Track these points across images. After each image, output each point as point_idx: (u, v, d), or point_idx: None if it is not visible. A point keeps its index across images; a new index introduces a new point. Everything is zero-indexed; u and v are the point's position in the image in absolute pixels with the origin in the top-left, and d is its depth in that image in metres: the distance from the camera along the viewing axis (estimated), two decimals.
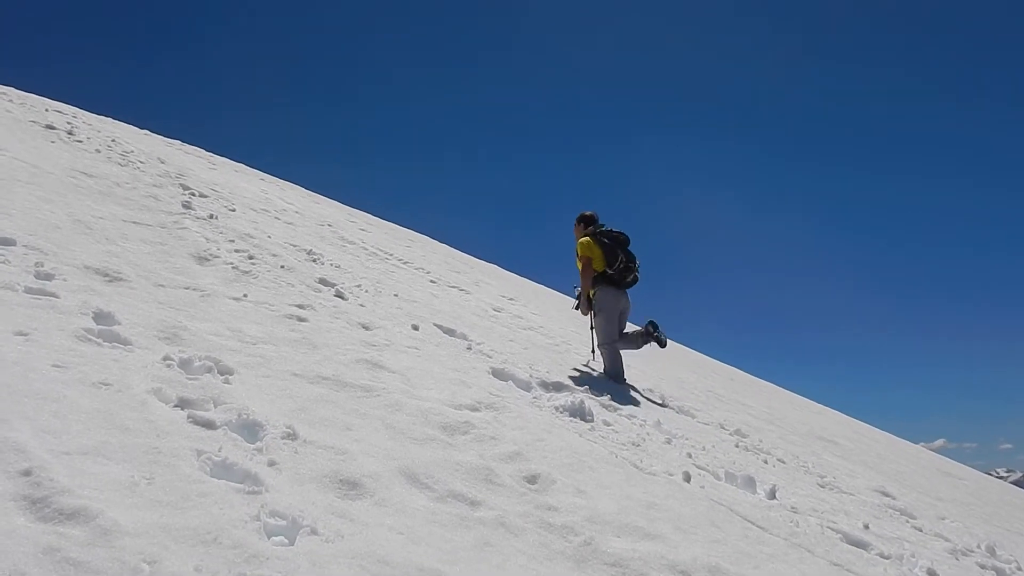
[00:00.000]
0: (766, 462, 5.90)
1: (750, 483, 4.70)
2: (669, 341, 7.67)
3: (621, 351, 7.11)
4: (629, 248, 7.04)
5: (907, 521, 5.50)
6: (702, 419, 6.88)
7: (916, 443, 17.12)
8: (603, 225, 7.15)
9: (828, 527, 4.35)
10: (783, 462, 6.20)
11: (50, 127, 10.12)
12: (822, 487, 5.73)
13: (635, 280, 7.08)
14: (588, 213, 7.26)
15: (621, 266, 6.93)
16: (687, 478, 4.33)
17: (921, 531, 5.29)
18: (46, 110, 11.94)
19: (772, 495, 4.63)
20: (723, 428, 6.79)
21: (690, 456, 4.99)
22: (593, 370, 7.15)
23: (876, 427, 15.77)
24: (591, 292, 7.06)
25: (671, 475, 4.31)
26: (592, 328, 7.30)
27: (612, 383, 6.78)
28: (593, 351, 7.36)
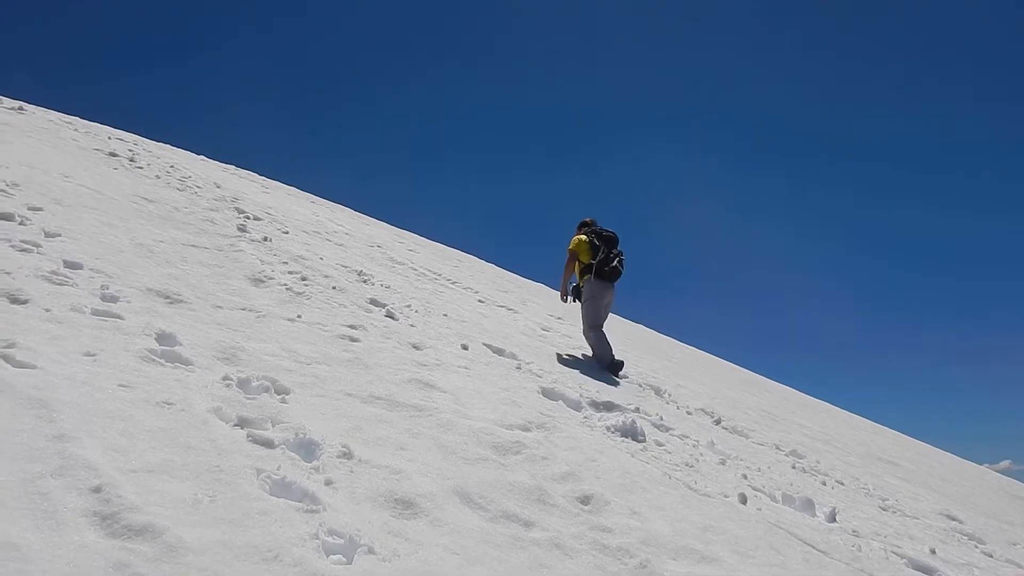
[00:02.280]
0: (824, 484, 5.77)
1: (809, 505, 4.60)
2: (720, 360, 7.94)
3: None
4: (618, 246, 7.89)
5: (976, 546, 5.33)
6: (756, 439, 6.76)
7: (980, 464, 16.55)
8: (600, 228, 8.01)
9: (892, 552, 4.23)
10: (842, 484, 6.06)
11: (113, 154, 10.47)
12: (884, 510, 5.58)
13: (615, 272, 7.76)
14: (587, 219, 8.17)
15: (602, 256, 7.73)
16: (743, 500, 4.25)
17: (991, 557, 5.12)
18: (109, 138, 12.35)
19: (832, 518, 4.53)
20: (778, 448, 6.67)
21: (745, 477, 4.91)
22: (583, 356, 7.71)
23: (937, 447, 15.32)
24: (580, 282, 7.92)
25: (726, 497, 4.25)
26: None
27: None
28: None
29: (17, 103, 12.85)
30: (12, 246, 4.69)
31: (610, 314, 8.16)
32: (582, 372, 6.84)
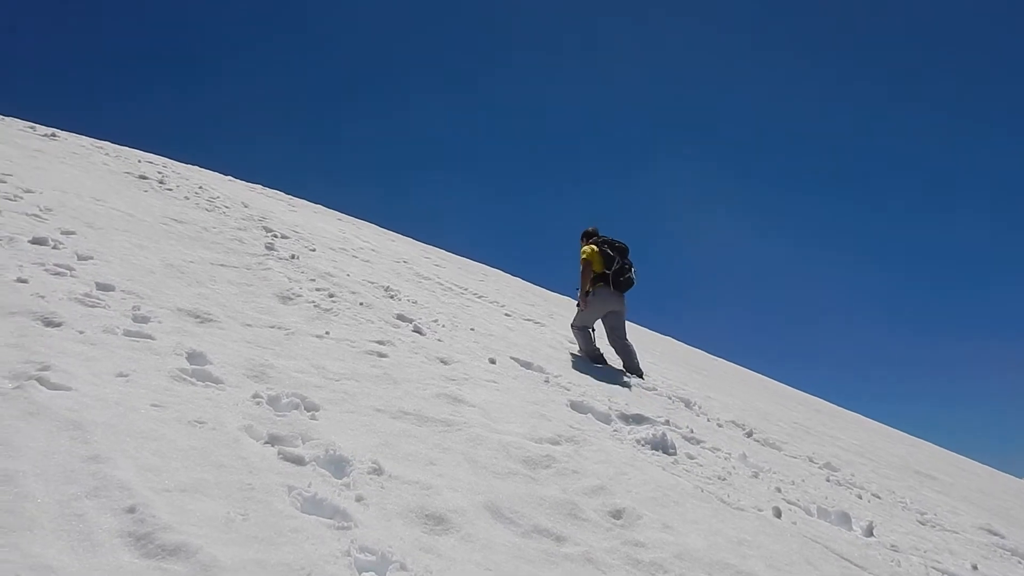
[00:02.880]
0: (860, 497, 5.67)
1: (845, 519, 4.52)
2: (750, 372, 7.96)
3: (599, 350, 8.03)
4: (628, 256, 8.04)
5: (1019, 562, 5.20)
6: (789, 452, 6.67)
7: (1020, 477, 16.19)
8: (604, 236, 8.18)
9: (933, 567, 4.14)
10: (878, 497, 5.95)
11: (143, 177, 10.64)
12: (923, 524, 5.47)
13: (630, 282, 7.95)
14: (590, 228, 8.32)
15: (617, 267, 7.88)
16: (778, 513, 4.19)
17: None
18: (139, 161, 12.56)
19: (869, 532, 4.44)
20: (812, 461, 6.57)
21: (779, 491, 4.84)
22: (574, 354, 7.99)
23: (975, 460, 15.01)
24: (589, 290, 7.93)
25: (760, 510, 4.18)
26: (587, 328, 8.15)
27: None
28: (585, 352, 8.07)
29: (50, 130, 13.11)
30: (46, 270, 4.77)
31: (633, 325, 8.21)
32: (610, 384, 6.80)
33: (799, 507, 4.60)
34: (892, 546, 4.35)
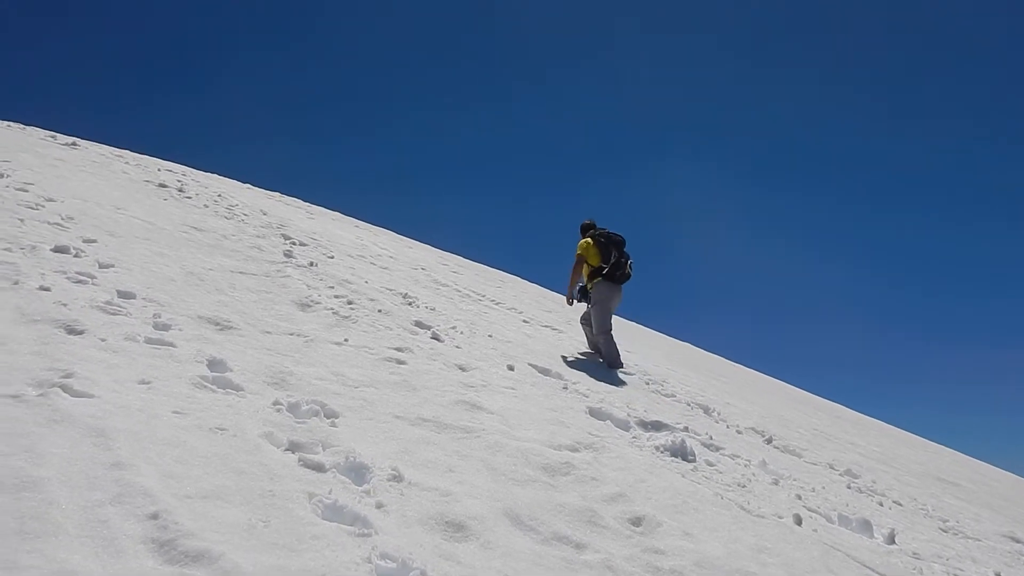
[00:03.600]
0: (881, 504, 5.62)
1: (866, 527, 4.48)
2: (768, 378, 7.91)
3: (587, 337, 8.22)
4: (625, 249, 8.01)
5: None
6: (809, 459, 6.62)
7: None
8: (602, 228, 8.15)
9: (955, 575, 4.09)
10: (900, 504, 5.89)
11: (162, 185, 10.74)
12: (945, 532, 5.41)
13: (626, 276, 7.94)
14: (587, 221, 8.29)
15: (614, 261, 7.87)
16: (798, 521, 4.16)
17: None
18: (158, 170, 12.68)
19: (891, 540, 4.40)
20: (832, 468, 6.51)
21: (799, 498, 4.80)
22: (589, 357, 8.00)
23: (997, 467, 14.83)
24: (589, 285, 8.01)
25: (780, 518, 4.16)
26: (582, 322, 8.43)
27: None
28: (592, 345, 8.27)
29: (71, 139, 13.27)
30: (68, 278, 4.82)
31: (654, 332, 8.21)
32: (629, 391, 6.78)
33: (820, 514, 4.57)
34: (914, 553, 4.31)
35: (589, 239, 8.02)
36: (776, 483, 5.01)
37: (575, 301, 8.26)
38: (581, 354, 8.06)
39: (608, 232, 8.06)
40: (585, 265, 8.06)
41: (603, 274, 7.87)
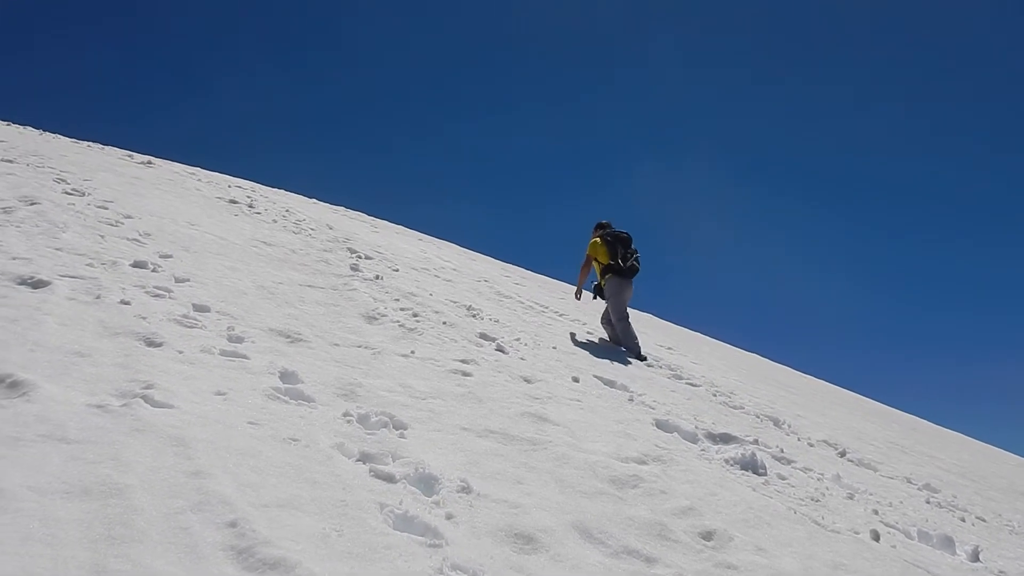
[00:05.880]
0: (963, 520, 5.41)
1: (948, 543, 4.31)
2: (840, 389, 7.77)
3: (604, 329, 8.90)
4: (632, 245, 8.71)
5: None
6: (885, 472, 6.42)
7: None
8: (614, 229, 8.85)
9: None
10: (983, 520, 5.66)
11: (233, 201, 11.05)
12: None
13: (634, 269, 8.62)
14: (603, 221, 9.05)
15: (623, 255, 8.57)
16: (876, 536, 4.03)
17: None
18: (229, 186, 13.06)
19: (975, 557, 4.23)
20: (910, 482, 6.30)
21: (876, 512, 4.66)
22: (616, 345, 8.63)
23: None
24: (602, 281, 8.74)
25: (857, 533, 4.03)
26: (603, 322, 9.09)
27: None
28: (614, 339, 8.84)
29: (146, 158, 13.77)
30: (147, 292, 4.99)
31: (720, 342, 8.16)
32: (696, 403, 6.68)
33: (898, 530, 4.42)
34: (1000, 572, 4.14)
35: (597, 239, 8.76)
36: (851, 497, 4.87)
37: (594, 297, 9.00)
38: (599, 340, 8.75)
39: (615, 231, 8.81)
40: (595, 263, 8.79)
41: (614, 270, 8.57)
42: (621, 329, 8.56)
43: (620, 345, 8.64)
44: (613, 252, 8.61)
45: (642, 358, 8.26)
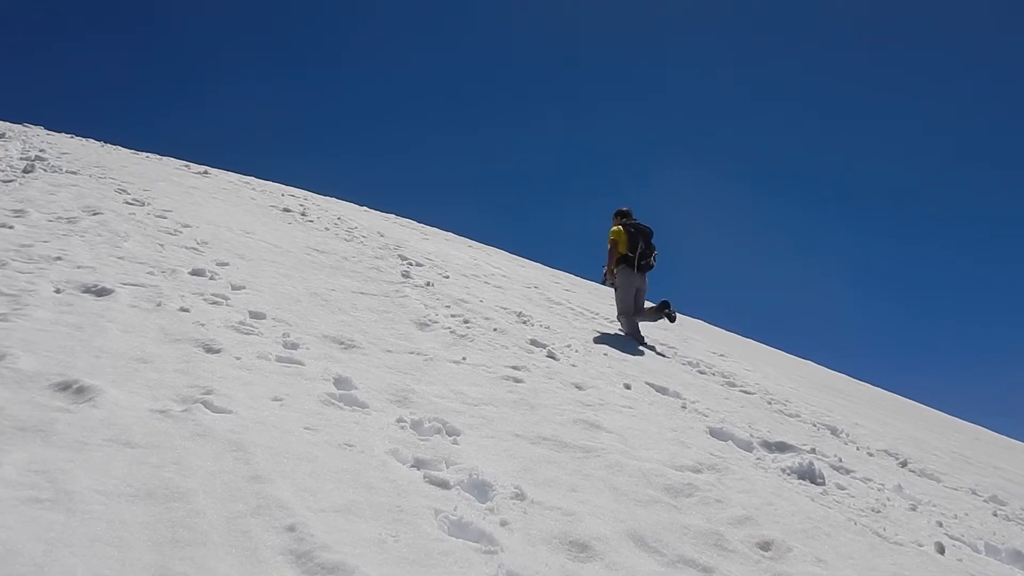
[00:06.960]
0: None
1: (1018, 558, 4.16)
2: (899, 397, 7.57)
3: (640, 322, 8.89)
4: (652, 240, 8.71)
5: None
6: (949, 483, 6.22)
7: None
8: (635, 219, 8.86)
9: None
10: None
11: (286, 210, 11.25)
12: None
13: (649, 266, 8.70)
14: (624, 208, 8.99)
15: (642, 249, 8.59)
16: (940, 549, 3.90)
17: None
18: (282, 195, 13.30)
19: None
20: (975, 494, 6.09)
21: (940, 525, 4.51)
22: (619, 332, 8.83)
23: None
24: (614, 268, 8.75)
25: (921, 545, 3.91)
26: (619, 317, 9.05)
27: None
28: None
29: (202, 168, 14.11)
30: (204, 299, 5.11)
31: (774, 350, 8.10)
32: (750, 411, 6.57)
33: (964, 543, 4.28)
34: None
35: (620, 227, 8.71)
36: (914, 509, 4.73)
37: (603, 282, 9.08)
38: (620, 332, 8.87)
39: (638, 223, 8.77)
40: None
41: (628, 262, 8.62)
42: (624, 321, 8.76)
43: (632, 336, 8.72)
44: (634, 244, 8.62)
45: (645, 345, 8.42)
